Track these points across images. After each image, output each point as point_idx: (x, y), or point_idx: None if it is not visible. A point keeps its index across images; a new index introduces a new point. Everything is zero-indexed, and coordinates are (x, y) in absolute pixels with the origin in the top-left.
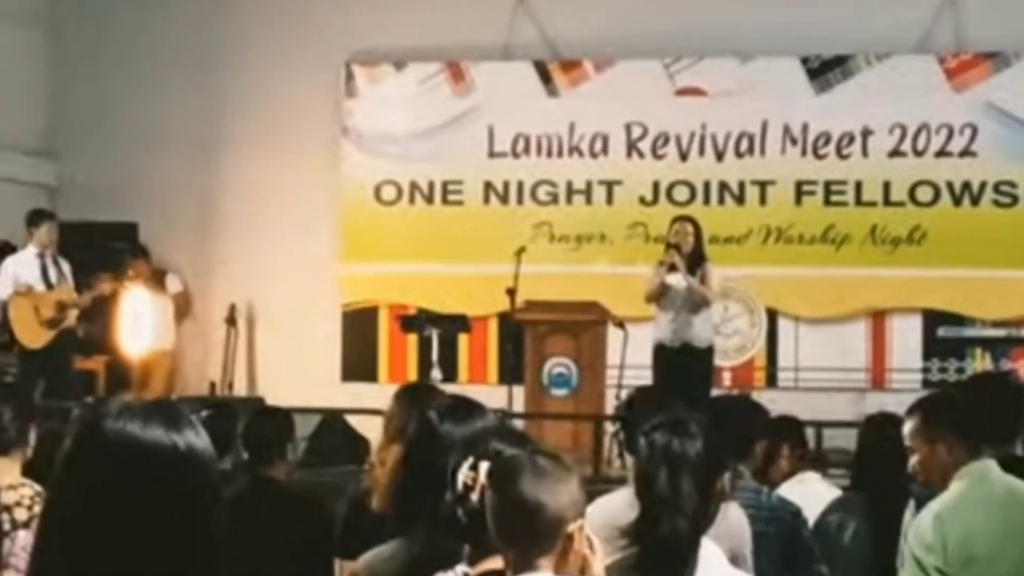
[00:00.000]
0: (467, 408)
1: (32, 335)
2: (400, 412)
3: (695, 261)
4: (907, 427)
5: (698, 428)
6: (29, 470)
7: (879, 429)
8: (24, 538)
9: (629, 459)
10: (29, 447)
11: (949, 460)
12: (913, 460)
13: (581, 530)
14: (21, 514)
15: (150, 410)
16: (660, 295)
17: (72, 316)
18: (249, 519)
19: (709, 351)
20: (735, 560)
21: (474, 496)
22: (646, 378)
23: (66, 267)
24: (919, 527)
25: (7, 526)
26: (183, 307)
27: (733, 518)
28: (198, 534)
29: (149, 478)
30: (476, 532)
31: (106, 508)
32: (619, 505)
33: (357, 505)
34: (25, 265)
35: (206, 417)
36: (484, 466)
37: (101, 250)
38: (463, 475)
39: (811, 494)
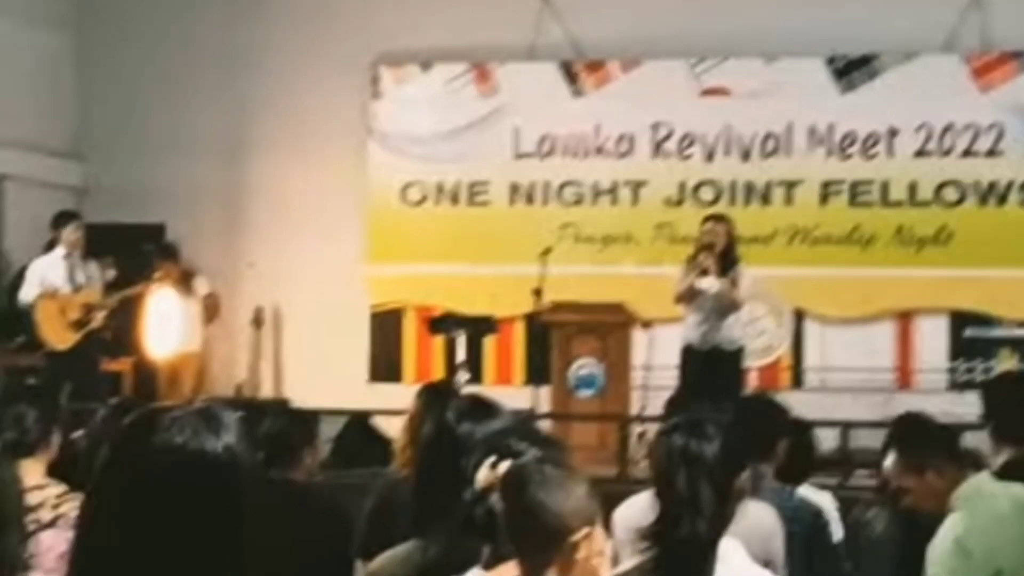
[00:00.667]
0: (485, 408)
1: (58, 337)
2: (422, 412)
3: (727, 262)
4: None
5: (715, 428)
6: (54, 471)
7: (908, 429)
8: (49, 539)
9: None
10: (54, 448)
11: (942, 484)
12: (906, 498)
13: (588, 538)
14: (46, 515)
15: (181, 418)
16: (690, 298)
17: (99, 318)
18: (264, 521)
19: (738, 353)
20: (768, 563)
21: (493, 497)
22: (672, 379)
23: (93, 269)
24: (941, 557)
25: (32, 527)
26: (211, 309)
27: (760, 517)
28: (236, 537)
29: (177, 484)
30: (493, 533)
31: (148, 513)
32: (642, 507)
33: (381, 506)
34: (52, 267)
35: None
36: (504, 466)
37: (129, 252)
38: (483, 475)
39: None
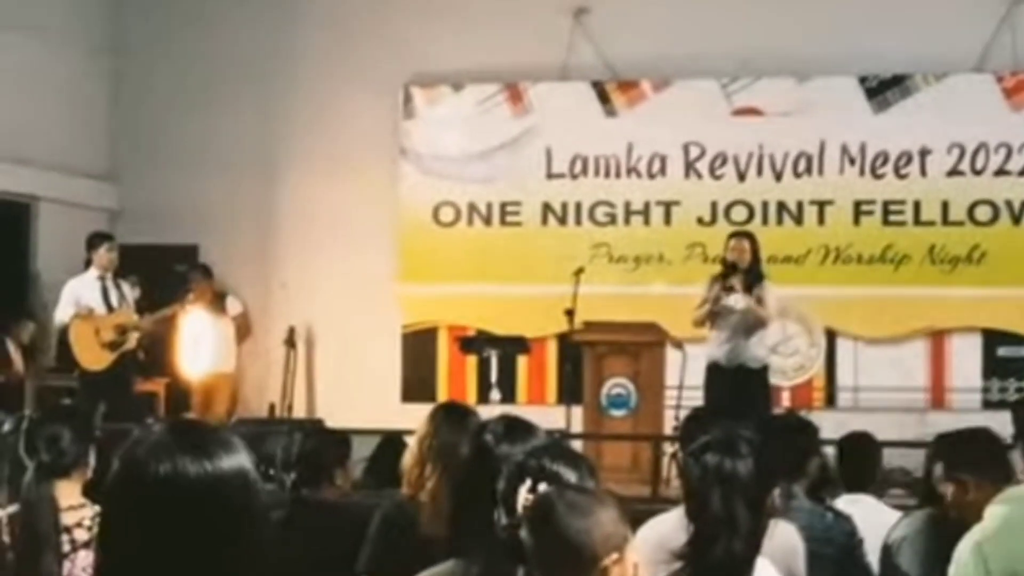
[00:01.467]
0: (522, 429)
1: (93, 358)
2: (439, 432)
3: (752, 278)
4: (936, 469)
5: (747, 446)
6: (89, 491)
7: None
8: (84, 558)
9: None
10: (89, 468)
11: (978, 497)
12: (947, 500)
13: (617, 563)
14: (82, 535)
15: (179, 440)
16: (706, 322)
17: (133, 339)
18: (292, 541)
19: (764, 371)
20: None
21: None
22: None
23: (128, 290)
24: (960, 557)
25: (67, 547)
26: (243, 329)
27: (784, 535)
28: (243, 556)
29: (182, 508)
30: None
31: (149, 540)
32: (671, 527)
33: (390, 523)
34: (87, 287)
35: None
36: (542, 489)
37: (163, 272)
38: (522, 498)
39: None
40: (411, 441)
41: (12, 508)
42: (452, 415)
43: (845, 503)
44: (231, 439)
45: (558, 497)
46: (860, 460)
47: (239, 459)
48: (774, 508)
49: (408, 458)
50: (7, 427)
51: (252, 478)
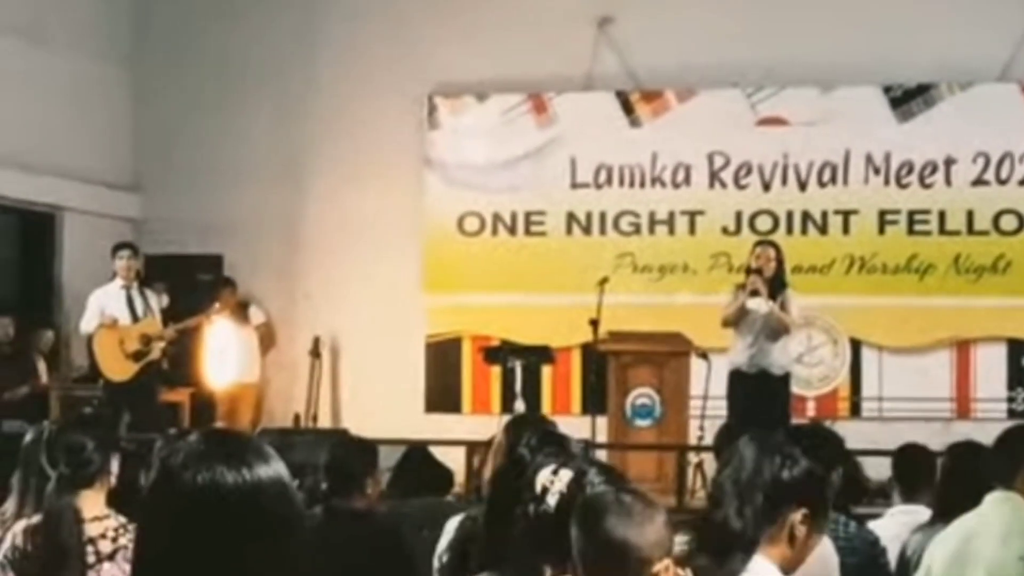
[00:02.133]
0: (557, 441)
1: (117, 368)
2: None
3: (776, 286)
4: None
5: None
6: (113, 501)
7: (961, 458)
8: (109, 570)
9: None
10: (112, 477)
11: None
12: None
13: (668, 570)
14: (106, 546)
15: (215, 448)
16: (738, 320)
17: (157, 349)
18: (323, 550)
19: (786, 378)
20: None
21: (550, 499)
22: None
23: (153, 300)
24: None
25: (92, 558)
26: (266, 339)
27: (823, 551)
28: (279, 565)
29: (221, 517)
30: (544, 537)
31: (187, 550)
32: None
33: (461, 544)
34: (111, 298)
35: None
36: (565, 473)
37: (187, 282)
38: (543, 477)
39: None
40: (491, 453)
41: (36, 518)
42: (518, 426)
43: (900, 513)
44: (267, 448)
45: (613, 497)
46: (913, 471)
47: (276, 468)
48: (794, 529)
49: (489, 466)
50: (29, 437)
51: (289, 487)
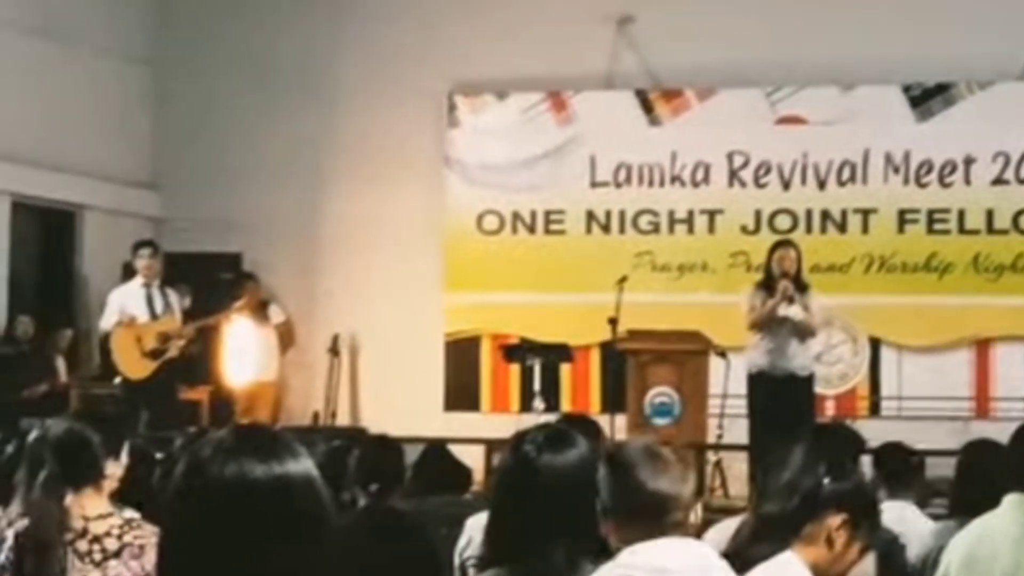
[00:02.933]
0: (564, 438)
1: (134, 366)
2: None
3: (798, 288)
4: None
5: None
6: (127, 498)
7: (977, 455)
8: (115, 567)
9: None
10: (117, 476)
11: None
12: None
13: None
14: (111, 544)
15: (245, 443)
16: (769, 324)
17: (175, 347)
18: (368, 547)
19: (811, 379)
20: None
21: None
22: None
23: (174, 298)
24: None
25: (99, 556)
26: (286, 337)
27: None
28: (309, 559)
29: (250, 511)
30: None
31: (214, 542)
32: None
33: None
34: (131, 296)
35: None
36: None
37: (206, 281)
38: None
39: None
40: None
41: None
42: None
43: (886, 509)
44: (295, 444)
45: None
46: (895, 468)
47: (305, 463)
48: (831, 534)
49: None
50: (33, 436)
51: (317, 482)
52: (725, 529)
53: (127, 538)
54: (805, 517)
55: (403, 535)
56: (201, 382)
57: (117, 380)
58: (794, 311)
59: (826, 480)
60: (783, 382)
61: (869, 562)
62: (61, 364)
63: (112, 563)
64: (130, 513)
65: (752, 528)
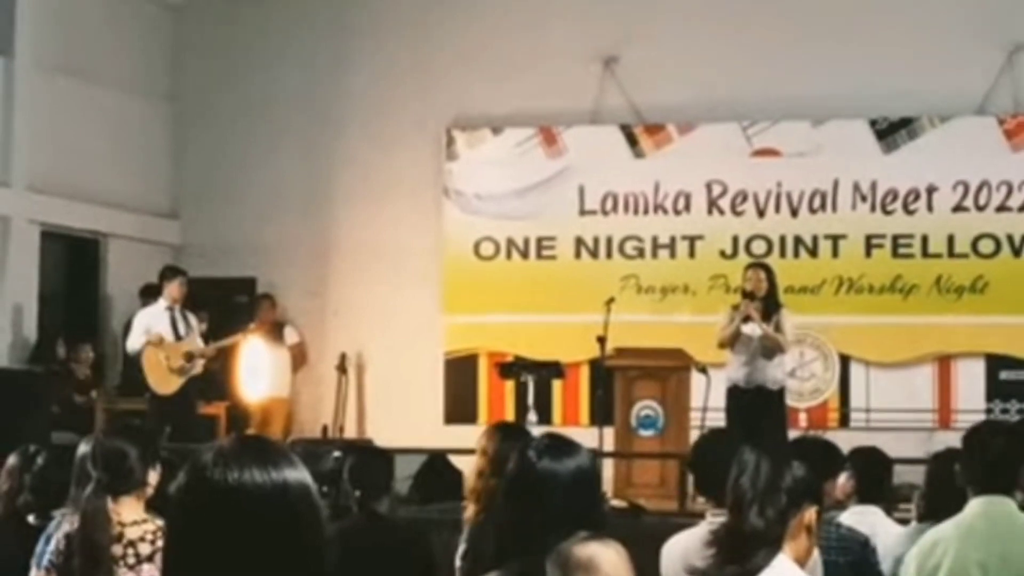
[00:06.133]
0: (564, 446)
1: (163, 382)
2: (502, 450)
3: (770, 306)
4: None
5: (791, 458)
6: (152, 507)
7: (945, 465)
8: (148, 571)
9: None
10: (151, 485)
11: None
12: None
13: None
14: (145, 548)
15: (244, 451)
16: (733, 342)
17: (199, 365)
18: (359, 551)
19: (781, 392)
20: None
21: None
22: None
23: (193, 320)
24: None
25: (132, 559)
26: (299, 358)
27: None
28: (306, 564)
29: (249, 516)
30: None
31: (214, 545)
32: (693, 541)
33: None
34: (156, 317)
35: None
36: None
37: (223, 304)
38: None
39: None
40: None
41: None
42: (510, 433)
43: (853, 514)
44: (292, 454)
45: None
46: (868, 473)
47: (301, 472)
48: (812, 527)
49: (474, 477)
50: (82, 449)
51: (313, 490)
52: (683, 538)
53: (159, 543)
54: (791, 514)
55: (384, 538)
56: (218, 398)
57: (147, 395)
58: (750, 328)
59: (799, 474)
60: (756, 395)
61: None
62: (88, 380)
63: (145, 567)
64: (162, 521)
65: (744, 539)
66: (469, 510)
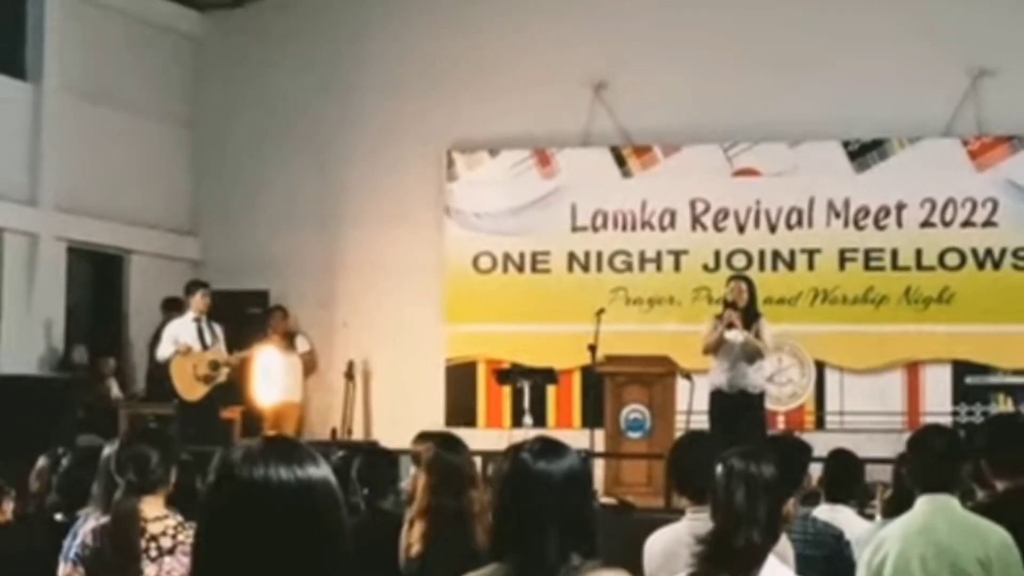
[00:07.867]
0: (557, 448)
1: (190, 389)
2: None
3: (750, 316)
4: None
5: (770, 456)
6: (171, 503)
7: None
8: (169, 563)
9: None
10: (171, 484)
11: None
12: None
13: None
14: (166, 542)
15: (270, 449)
16: (717, 348)
17: (223, 373)
18: (366, 546)
19: (761, 396)
20: None
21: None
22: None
23: (219, 330)
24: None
25: (155, 552)
26: (310, 365)
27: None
28: (329, 558)
29: (275, 512)
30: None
31: (241, 540)
32: (676, 536)
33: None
34: (184, 328)
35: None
36: None
37: (238, 315)
38: None
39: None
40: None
41: (104, 519)
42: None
43: (824, 512)
44: (316, 454)
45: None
46: (842, 473)
47: (324, 469)
48: (790, 514)
49: (419, 480)
50: (107, 452)
51: (336, 488)
52: (668, 532)
53: (180, 537)
54: (779, 508)
55: (390, 534)
56: (235, 403)
57: (174, 402)
58: (733, 335)
59: (776, 472)
60: (738, 398)
61: (783, 541)
62: (113, 386)
63: (167, 559)
64: (182, 517)
65: (736, 552)
66: (416, 531)
